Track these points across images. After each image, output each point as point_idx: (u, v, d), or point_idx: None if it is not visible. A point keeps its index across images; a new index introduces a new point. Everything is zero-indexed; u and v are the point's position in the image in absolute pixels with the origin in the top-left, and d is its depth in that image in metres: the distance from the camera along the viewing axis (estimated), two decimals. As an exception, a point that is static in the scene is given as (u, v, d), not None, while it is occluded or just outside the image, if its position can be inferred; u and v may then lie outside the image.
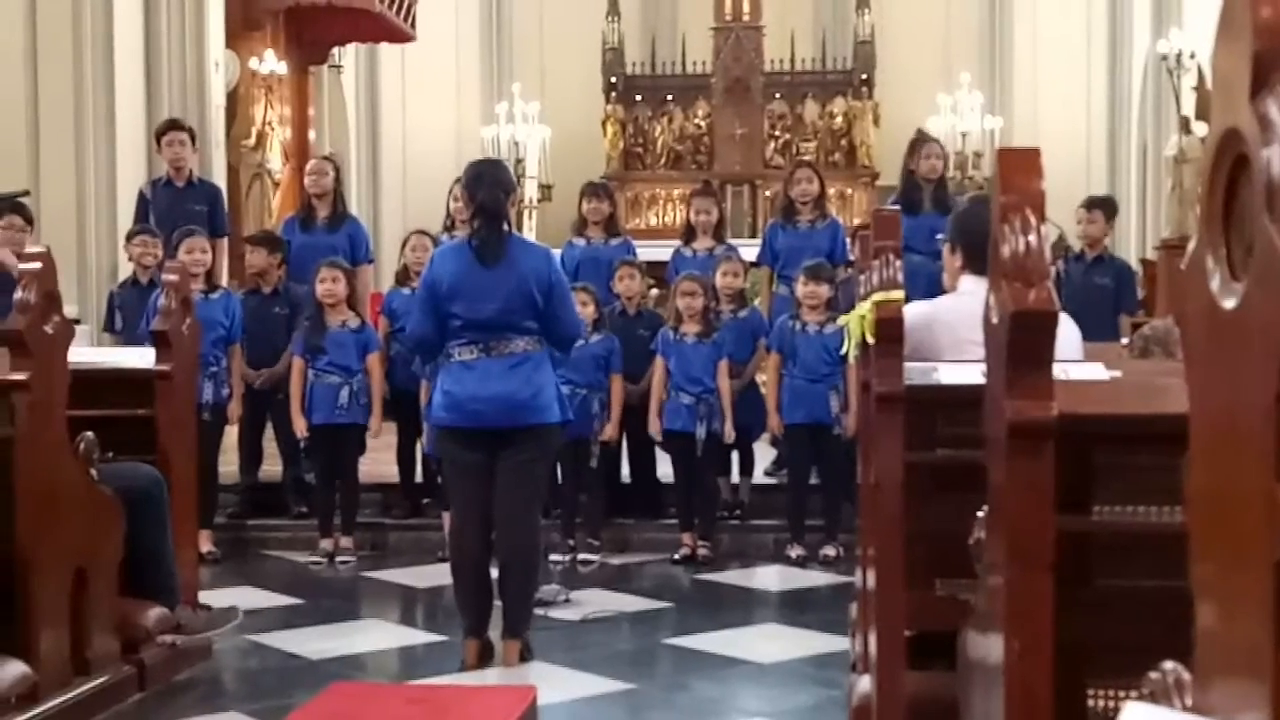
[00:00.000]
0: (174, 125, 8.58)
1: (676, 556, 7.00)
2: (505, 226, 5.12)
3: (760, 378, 7.56)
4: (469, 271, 5.05)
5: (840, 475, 6.86)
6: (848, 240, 7.98)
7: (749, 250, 8.41)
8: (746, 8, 16.48)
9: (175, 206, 8.13)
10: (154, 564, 4.93)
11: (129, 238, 7.77)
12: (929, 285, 5.50)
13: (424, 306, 5.19)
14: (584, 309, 6.96)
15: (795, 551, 6.98)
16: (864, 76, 16.49)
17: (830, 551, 6.92)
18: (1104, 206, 8.23)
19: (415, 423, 7.06)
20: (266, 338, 7.53)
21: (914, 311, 3.87)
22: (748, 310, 7.59)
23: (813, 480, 7.21)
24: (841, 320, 5.10)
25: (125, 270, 8.24)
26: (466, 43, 17.80)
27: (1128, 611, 2.52)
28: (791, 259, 7.76)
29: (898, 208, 7.05)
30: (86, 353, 5.51)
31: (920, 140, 8.20)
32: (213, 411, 6.99)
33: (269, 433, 7.76)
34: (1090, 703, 2.52)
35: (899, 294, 3.73)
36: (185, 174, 8.35)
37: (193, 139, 8.59)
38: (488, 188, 5.10)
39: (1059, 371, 2.55)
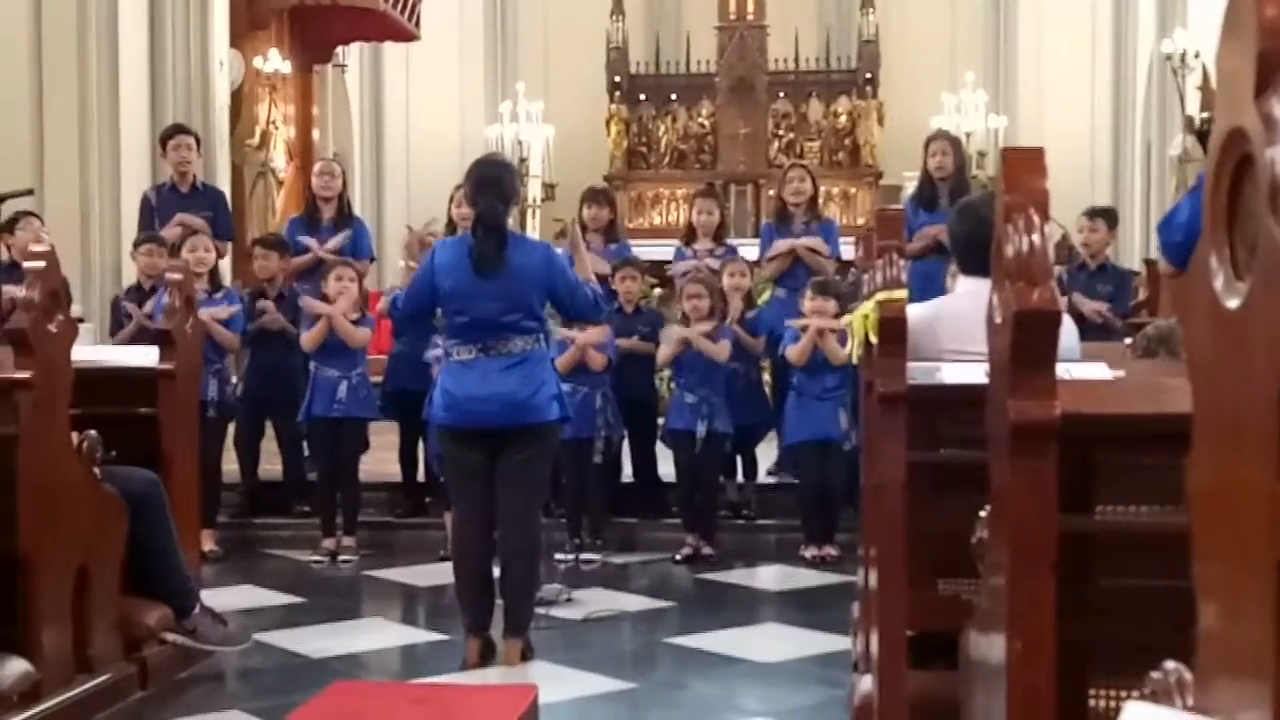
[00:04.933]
0: (180, 130, 8.51)
1: (679, 556, 6.99)
2: (504, 237, 5.06)
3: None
4: (467, 278, 5.04)
5: (844, 483, 6.81)
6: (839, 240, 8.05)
7: (752, 251, 8.41)
8: (751, 7, 16.47)
9: (179, 212, 8.08)
10: (163, 568, 4.92)
11: (135, 245, 7.74)
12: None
13: (419, 289, 5.20)
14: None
15: (810, 552, 6.95)
16: (868, 76, 16.49)
17: (831, 551, 6.91)
18: (1105, 216, 8.27)
19: (417, 422, 7.06)
20: (271, 341, 7.53)
21: (917, 311, 3.87)
22: (755, 311, 7.60)
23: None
24: (844, 321, 5.09)
25: (129, 271, 8.23)
26: (470, 42, 17.81)
27: (1130, 611, 2.51)
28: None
29: (900, 207, 7.04)
30: (90, 351, 5.51)
31: (929, 138, 8.20)
32: (217, 409, 7.00)
33: (265, 432, 7.77)
34: (1092, 702, 2.52)
35: (902, 293, 3.72)
36: (189, 179, 8.29)
37: (198, 144, 8.53)
38: (488, 198, 5.05)
39: (1062, 371, 2.55)
